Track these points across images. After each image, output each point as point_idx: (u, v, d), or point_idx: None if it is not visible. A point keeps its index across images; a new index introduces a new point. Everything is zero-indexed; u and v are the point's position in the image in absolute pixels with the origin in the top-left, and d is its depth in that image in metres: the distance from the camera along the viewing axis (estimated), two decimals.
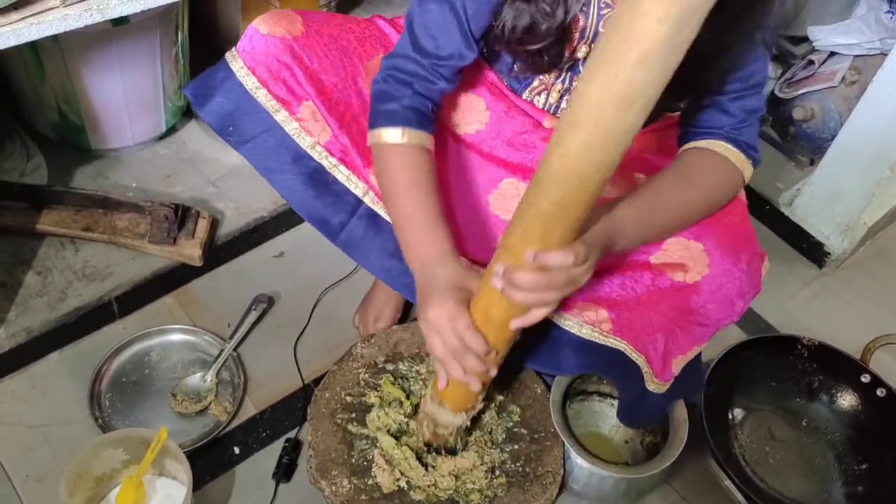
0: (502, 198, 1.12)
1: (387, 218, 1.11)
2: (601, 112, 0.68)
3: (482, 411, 1.19)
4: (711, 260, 1.01)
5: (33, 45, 1.39)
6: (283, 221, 1.58)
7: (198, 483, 1.20)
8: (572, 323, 1.12)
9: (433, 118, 1.06)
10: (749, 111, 1.01)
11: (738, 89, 0.98)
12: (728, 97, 0.99)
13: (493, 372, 0.98)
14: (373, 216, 1.12)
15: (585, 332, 1.12)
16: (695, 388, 1.21)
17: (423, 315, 0.97)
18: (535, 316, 0.92)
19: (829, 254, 1.65)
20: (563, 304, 1.11)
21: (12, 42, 1.04)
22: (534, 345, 1.19)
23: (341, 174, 1.10)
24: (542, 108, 1.12)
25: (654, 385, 1.12)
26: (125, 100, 1.53)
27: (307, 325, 1.45)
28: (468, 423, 1.14)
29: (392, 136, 1.01)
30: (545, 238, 0.82)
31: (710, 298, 1.03)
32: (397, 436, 1.19)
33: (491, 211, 1.13)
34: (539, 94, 1.11)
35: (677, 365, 1.10)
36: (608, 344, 1.11)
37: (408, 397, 1.23)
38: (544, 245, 0.82)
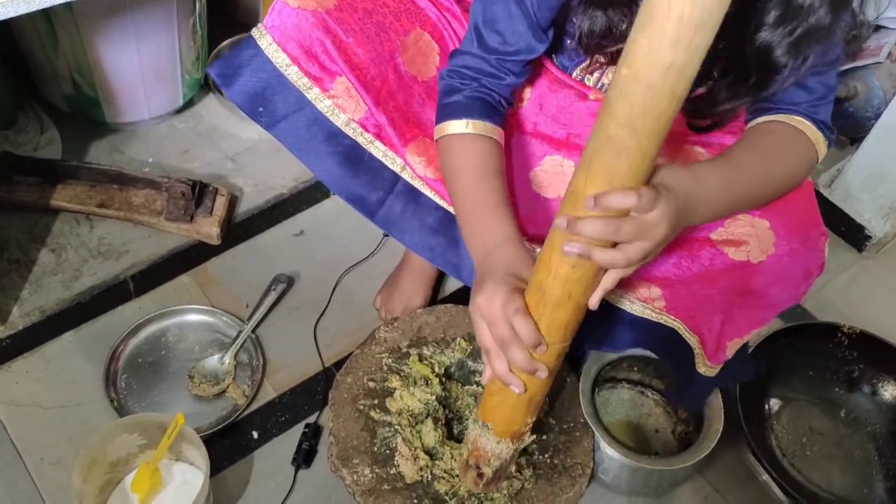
0: (544, 175, 1.07)
1: (426, 193, 1.06)
2: None
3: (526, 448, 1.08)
4: (777, 239, 0.96)
5: (47, 15, 1.35)
6: (303, 199, 1.54)
7: (215, 468, 1.16)
8: (623, 299, 1.07)
9: (502, 112, 1.01)
10: (829, 87, 0.96)
11: (818, 64, 0.91)
12: (809, 71, 0.92)
13: (542, 374, 0.88)
14: (411, 192, 1.07)
15: (637, 309, 1.07)
16: (746, 373, 1.15)
17: (472, 300, 0.89)
18: (607, 282, 0.83)
19: (869, 237, 1.59)
20: None
21: (23, 10, 1.00)
22: (588, 323, 1.12)
23: (377, 150, 1.05)
24: (593, 87, 1.06)
25: (705, 367, 1.07)
26: (141, 72, 1.48)
27: (327, 306, 1.41)
28: (512, 458, 1.04)
29: (456, 126, 0.97)
30: (611, 174, 0.73)
31: (775, 279, 0.98)
32: (421, 419, 1.15)
33: (532, 189, 1.07)
34: (591, 72, 1.05)
35: (731, 348, 1.05)
36: (661, 321, 1.06)
37: (436, 375, 1.19)
38: (609, 185, 0.74)
